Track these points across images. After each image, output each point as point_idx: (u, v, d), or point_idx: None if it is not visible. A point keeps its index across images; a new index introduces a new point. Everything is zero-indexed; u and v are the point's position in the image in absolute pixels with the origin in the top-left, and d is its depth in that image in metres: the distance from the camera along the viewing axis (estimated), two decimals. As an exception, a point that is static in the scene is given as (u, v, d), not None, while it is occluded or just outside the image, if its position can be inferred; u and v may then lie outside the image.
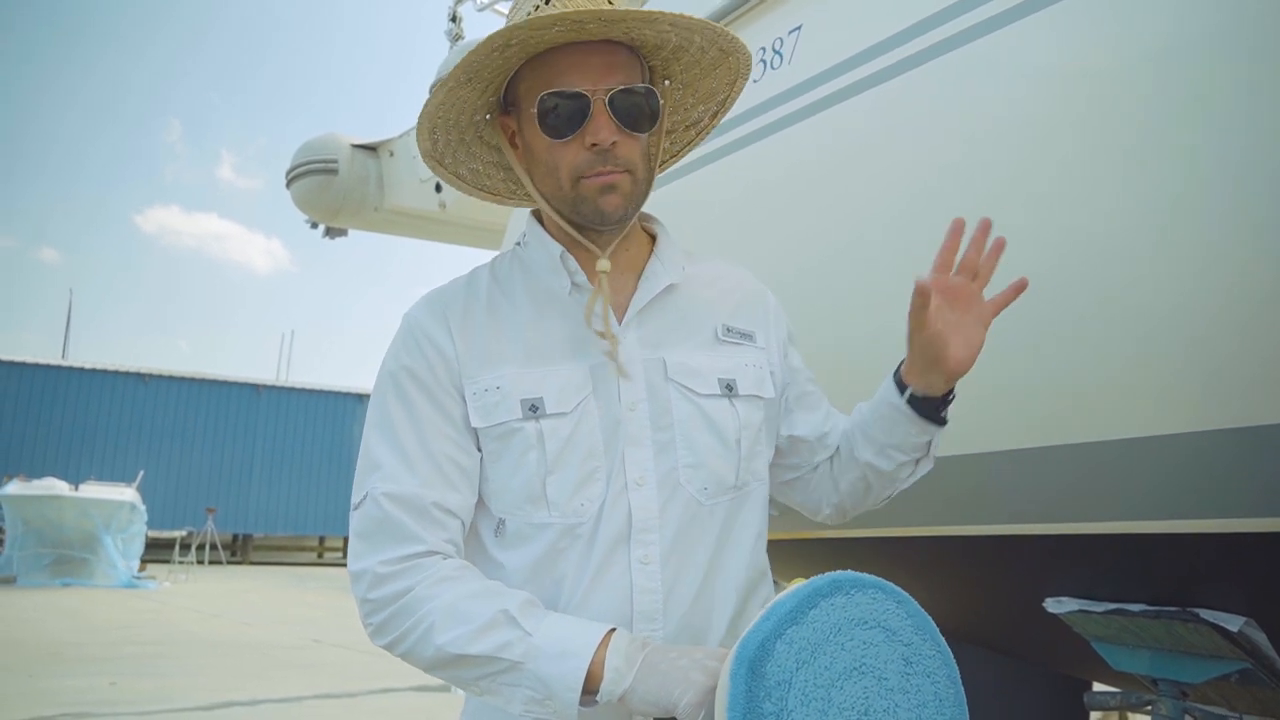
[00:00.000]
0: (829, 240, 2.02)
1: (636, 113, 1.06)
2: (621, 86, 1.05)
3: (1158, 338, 1.47)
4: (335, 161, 6.51)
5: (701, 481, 1.07)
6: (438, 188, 5.94)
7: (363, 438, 1.08)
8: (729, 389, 1.11)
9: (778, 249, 2.14)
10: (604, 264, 1.09)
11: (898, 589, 0.91)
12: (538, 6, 1.04)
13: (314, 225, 7.19)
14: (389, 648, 1.02)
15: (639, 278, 1.14)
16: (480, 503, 1.09)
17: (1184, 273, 1.42)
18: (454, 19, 5.45)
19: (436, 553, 1.02)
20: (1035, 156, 1.62)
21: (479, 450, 1.07)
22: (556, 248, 1.12)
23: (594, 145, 1.04)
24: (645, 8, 1.07)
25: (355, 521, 1.04)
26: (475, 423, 1.05)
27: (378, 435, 1.06)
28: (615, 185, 1.06)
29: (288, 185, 6.82)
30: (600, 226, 1.09)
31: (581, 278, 1.11)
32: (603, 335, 1.07)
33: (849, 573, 0.90)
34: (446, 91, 1.06)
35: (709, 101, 1.23)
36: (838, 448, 1.23)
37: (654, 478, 1.06)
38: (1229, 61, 1.38)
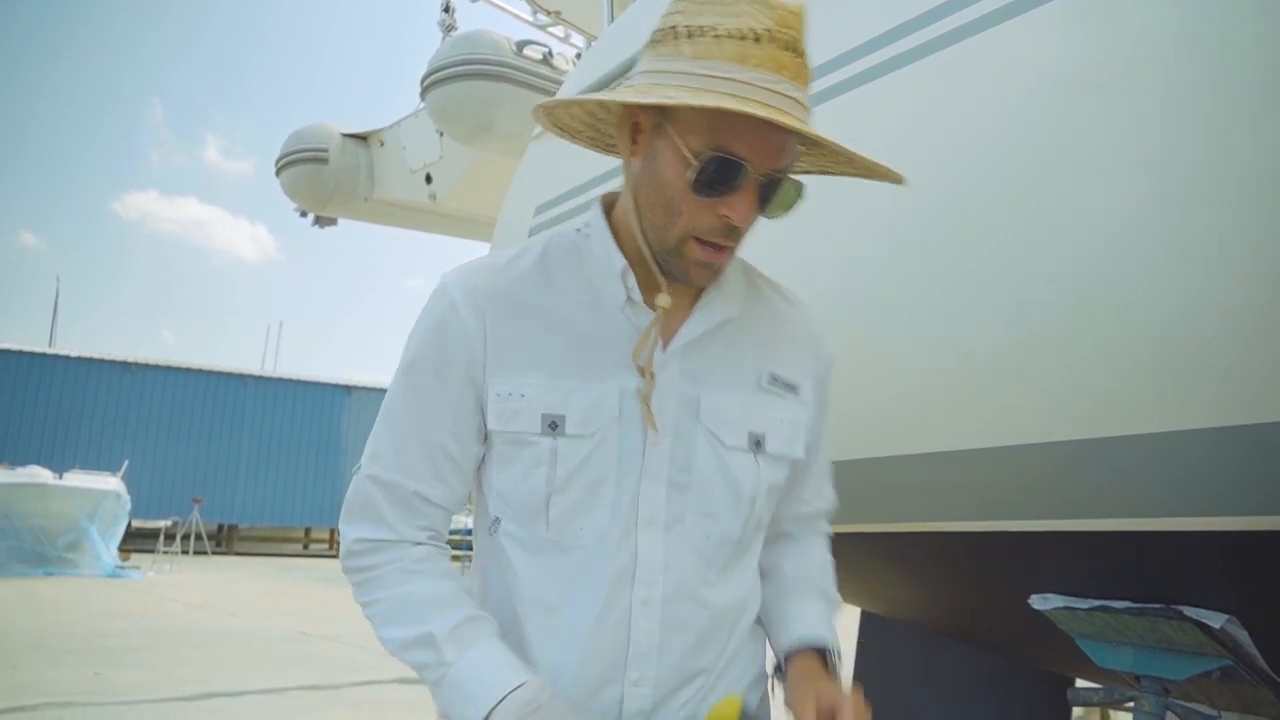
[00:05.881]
0: (820, 242, 2.02)
1: (779, 199, 0.99)
2: (779, 172, 0.97)
3: (1147, 336, 1.47)
4: (325, 150, 6.49)
5: (707, 530, 1.05)
6: (428, 179, 5.92)
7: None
8: (757, 444, 1.07)
9: (773, 250, 2.13)
10: (664, 299, 1.03)
11: None
12: (745, 37, 0.92)
13: (303, 214, 7.17)
14: (361, 610, 1.06)
15: (694, 303, 1.07)
16: (486, 495, 1.08)
17: (1179, 272, 1.42)
18: (447, 9, 5.45)
19: (405, 540, 1.04)
20: (1025, 158, 1.62)
21: (481, 445, 1.06)
22: (620, 260, 1.04)
23: (725, 217, 0.96)
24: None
25: (349, 490, 1.07)
26: (492, 425, 1.03)
27: (383, 416, 1.07)
28: (717, 268, 1.01)
29: (277, 173, 6.81)
30: (679, 284, 1.04)
31: (639, 295, 1.04)
32: (643, 373, 1.02)
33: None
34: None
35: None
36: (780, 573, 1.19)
37: (663, 518, 1.03)
38: (1238, 58, 1.37)
